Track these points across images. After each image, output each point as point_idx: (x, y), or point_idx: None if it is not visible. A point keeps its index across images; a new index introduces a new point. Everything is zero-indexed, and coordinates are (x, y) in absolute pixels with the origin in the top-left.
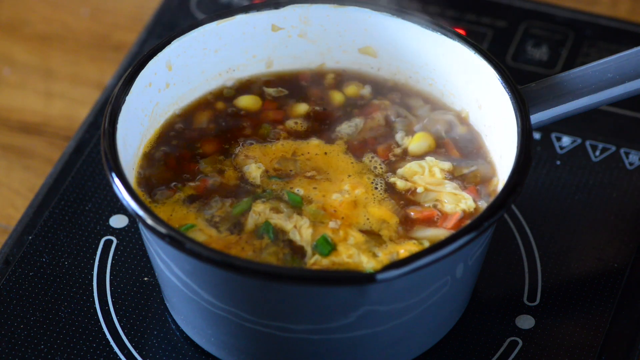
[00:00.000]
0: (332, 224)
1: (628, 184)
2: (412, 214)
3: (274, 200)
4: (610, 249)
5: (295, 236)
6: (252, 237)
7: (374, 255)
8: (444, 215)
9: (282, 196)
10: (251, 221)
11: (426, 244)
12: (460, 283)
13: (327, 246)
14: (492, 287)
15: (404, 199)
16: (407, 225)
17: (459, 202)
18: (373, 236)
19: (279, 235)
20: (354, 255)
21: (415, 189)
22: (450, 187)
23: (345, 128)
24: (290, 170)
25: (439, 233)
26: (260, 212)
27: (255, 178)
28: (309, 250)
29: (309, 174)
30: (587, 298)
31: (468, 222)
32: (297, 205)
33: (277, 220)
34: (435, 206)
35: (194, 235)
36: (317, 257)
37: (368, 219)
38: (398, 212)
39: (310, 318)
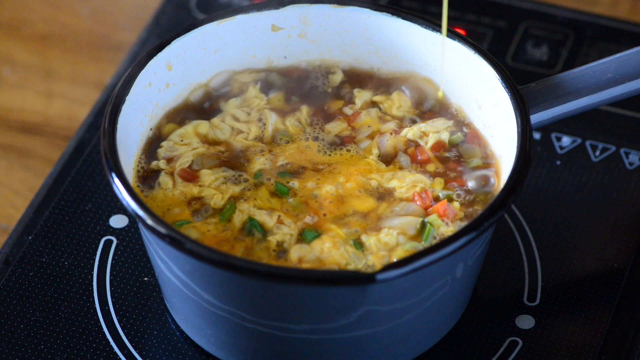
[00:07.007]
0: (307, 219)
1: (628, 184)
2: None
3: (257, 191)
4: (610, 249)
5: (275, 236)
6: (243, 234)
7: (359, 246)
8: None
9: (271, 186)
10: (237, 220)
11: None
12: (460, 283)
13: (312, 233)
14: (492, 287)
15: (379, 192)
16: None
17: (415, 184)
18: (354, 228)
19: (267, 231)
20: (338, 243)
21: (370, 182)
22: (402, 173)
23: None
24: (302, 167)
25: (407, 220)
26: (244, 210)
27: (253, 168)
28: (290, 244)
29: (320, 167)
30: (587, 298)
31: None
32: (282, 195)
33: (259, 217)
34: (393, 190)
35: (187, 231)
36: (298, 254)
37: (353, 212)
38: (378, 204)
39: (310, 318)
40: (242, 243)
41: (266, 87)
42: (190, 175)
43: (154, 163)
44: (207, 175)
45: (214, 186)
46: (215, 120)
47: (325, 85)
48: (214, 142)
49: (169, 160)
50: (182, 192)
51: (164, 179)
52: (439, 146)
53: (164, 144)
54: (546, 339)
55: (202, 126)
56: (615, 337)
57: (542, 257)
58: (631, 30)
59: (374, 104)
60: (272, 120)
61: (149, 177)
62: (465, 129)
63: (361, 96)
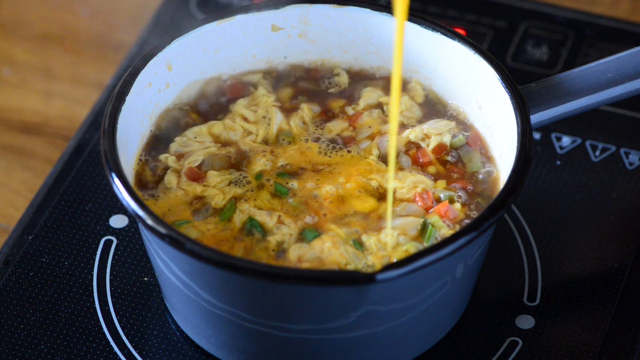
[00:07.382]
0: (308, 219)
1: (628, 184)
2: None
3: (259, 192)
4: (610, 249)
5: (274, 236)
6: (243, 234)
7: (359, 246)
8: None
9: (271, 187)
10: (238, 220)
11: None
12: (460, 283)
13: (312, 232)
14: (492, 287)
15: (379, 193)
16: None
17: (416, 184)
18: (354, 228)
19: (267, 231)
20: (338, 243)
21: (370, 182)
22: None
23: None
24: (301, 168)
25: (408, 221)
26: (244, 210)
27: (253, 169)
28: (290, 244)
29: (320, 167)
30: (587, 298)
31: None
32: (282, 196)
33: (260, 217)
34: (394, 190)
35: (187, 231)
36: (297, 253)
37: (354, 213)
38: (378, 204)
39: (310, 318)
40: (241, 243)
41: (272, 85)
42: (197, 175)
43: (163, 156)
44: (214, 177)
45: (218, 187)
46: (228, 121)
47: (331, 86)
48: (226, 143)
49: (179, 157)
50: (185, 192)
51: (169, 177)
52: (440, 149)
53: (177, 139)
54: (546, 339)
55: (217, 127)
56: (615, 337)
57: (542, 257)
58: (631, 30)
59: (378, 105)
60: (278, 120)
61: (149, 178)
62: (465, 130)
63: (367, 97)
